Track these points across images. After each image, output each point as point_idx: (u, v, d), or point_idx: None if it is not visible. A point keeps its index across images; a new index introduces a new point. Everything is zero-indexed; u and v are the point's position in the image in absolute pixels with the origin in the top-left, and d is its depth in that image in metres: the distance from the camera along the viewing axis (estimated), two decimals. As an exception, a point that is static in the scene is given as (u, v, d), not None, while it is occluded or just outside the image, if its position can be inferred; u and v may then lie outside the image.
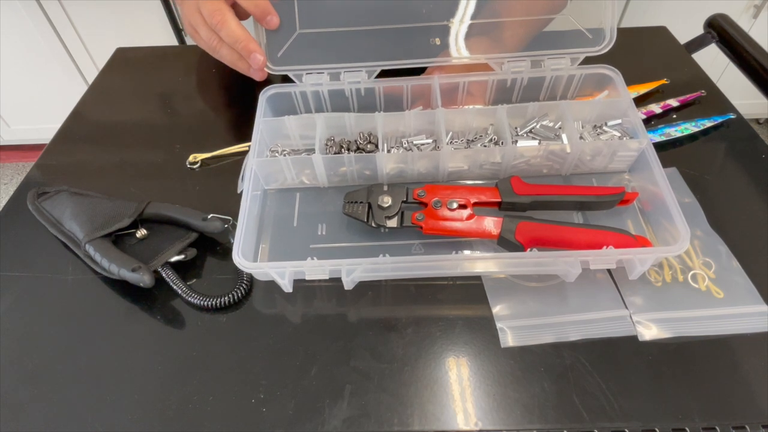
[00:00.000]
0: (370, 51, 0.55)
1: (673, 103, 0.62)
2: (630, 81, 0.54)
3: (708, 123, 0.59)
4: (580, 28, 0.55)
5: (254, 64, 0.53)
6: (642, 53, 0.71)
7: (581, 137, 0.54)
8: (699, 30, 0.75)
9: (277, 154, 0.56)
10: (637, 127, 0.52)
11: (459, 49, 0.56)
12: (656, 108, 0.61)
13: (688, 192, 0.53)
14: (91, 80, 0.96)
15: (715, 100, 0.63)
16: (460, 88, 0.58)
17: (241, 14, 0.54)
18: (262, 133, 0.54)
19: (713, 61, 1.32)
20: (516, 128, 0.56)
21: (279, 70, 0.55)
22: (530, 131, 0.55)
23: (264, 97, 0.56)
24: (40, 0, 1.47)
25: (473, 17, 0.55)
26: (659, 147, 0.57)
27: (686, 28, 0.80)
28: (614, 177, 0.55)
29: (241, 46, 0.53)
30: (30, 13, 1.49)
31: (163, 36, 1.53)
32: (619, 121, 0.55)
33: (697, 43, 0.74)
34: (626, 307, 0.45)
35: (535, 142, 0.54)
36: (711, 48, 0.75)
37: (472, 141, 0.56)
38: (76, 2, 1.48)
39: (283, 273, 0.44)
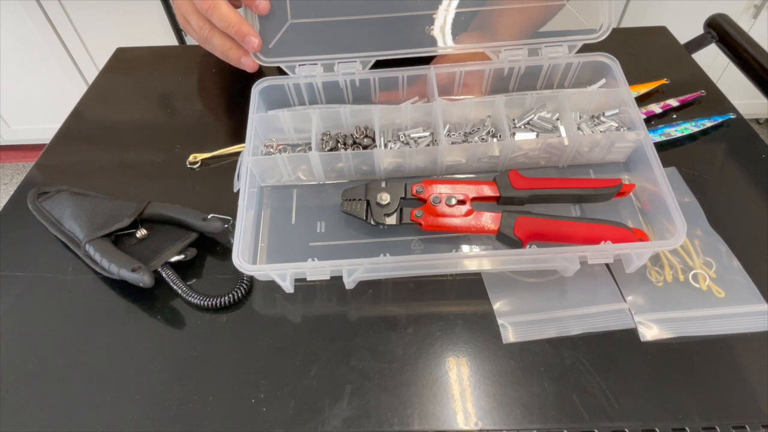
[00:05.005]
0: (364, 41, 0.54)
1: (673, 103, 0.62)
2: (630, 81, 0.54)
3: (708, 123, 0.59)
4: (577, 15, 0.55)
5: (249, 47, 0.52)
6: (642, 53, 0.71)
7: (579, 128, 0.54)
8: (699, 30, 0.75)
9: (272, 149, 0.56)
10: (635, 117, 0.52)
11: (455, 39, 0.55)
12: (656, 108, 0.61)
13: (687, 191, 0.53)
14: (91, 80, 0.96)
15: (715, 100, 0.63)
16: (457, 78, 0.58)
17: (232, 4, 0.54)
18: (256, 129, 0.53)
19: (713, 61, 1.32)
20: (513, 120, 0.56)
21: (271, 61, 0.55)
22: (528, 123, 0.55)
23: (256, 90, 0.56)
24: (40, 0, 1.47)
25: (467, 6, 0.54)
26: (659, 147, 0.57)
27: (686, 28, 0.80)
28: (612, 168, 0.55)
29: (234, 30, 0.52)
30: (30, 13, 1.49)
31: (163, 36, 1.53)
32: (617, 110, 0.55)
33: (697, 43, 0.74)
34: (625, 301, 0.45)
35: (533, 135, 0.54)
36: (711, 48, 0.75)
37: (470, 133, 0.56)
38: (76, 2, 1.48)
39: (284, 275, 0.44)
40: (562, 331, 0.43)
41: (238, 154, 0.59)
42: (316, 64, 0.55)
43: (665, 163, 0.49)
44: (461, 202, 0.48)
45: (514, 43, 0.55)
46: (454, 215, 0.47)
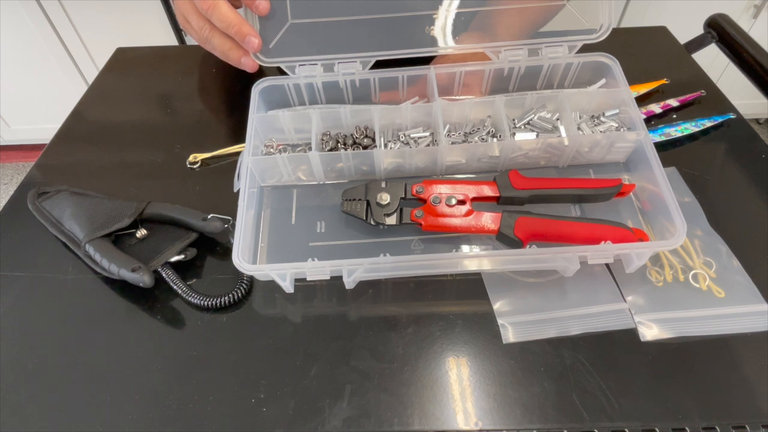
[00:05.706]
0: (364, 41, 0.54)
1: (673, 103, 0.62)
2: (630, 81, 0.54)
3: (708, 123, 0.59)
4: (577, 16, 0.55)
5: (249, 47, 0.52)
6: (642, 53, 0.71)
7: (579, 128, 0.54)
8: (699, 30, 0.75)
9: (272, 150, 0.56)
10: (635, 117, 0.52)
11: (455, 39, 0.55)
12: (656, 108, 0.61)
13: (687, 191, 0.53)
14: (91, 80, 0.96)
15: (715, 100, 0.63)
16: (457, 78, 0.58)
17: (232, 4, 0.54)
18: (256, 129, 0.53)
19: (713, 61, 1.32)
20: (513, 120, 0.56)
21: (271, 61, 0.55)
22: (528, 123, 0.55)
23: (257, 90, 0.56)
24: (40, 0, 1.47)
25: (467, 6, 0.54)
26: (659, 147, 0.57)
27: (686, 28, 0.80)
28: (611, 168, 0.55)
29: (234, 30, 0.52)
30: (30, 13, 1.49)
31: (163, 36, 1.53)
32: (617, 110, 0.55)
33: (697, 43, 0.74)
34: (625, 301, 0.45)
35: (533, 135, 0.54)
36: (711, 48, 0.75)
37: (470, 133, 0.56)
38: (76, 2, 1.48)
39: (284, 275, 0.44)
40: (562, 331, 0.43)
41: (238, 154, 0.59)
42: (316, 64, 0.55)
43: (665, 163, 0.49)
44: (461, 202, 0.48)
45: (514, 43, 0.55)
46: (454, 215, 0.47)
